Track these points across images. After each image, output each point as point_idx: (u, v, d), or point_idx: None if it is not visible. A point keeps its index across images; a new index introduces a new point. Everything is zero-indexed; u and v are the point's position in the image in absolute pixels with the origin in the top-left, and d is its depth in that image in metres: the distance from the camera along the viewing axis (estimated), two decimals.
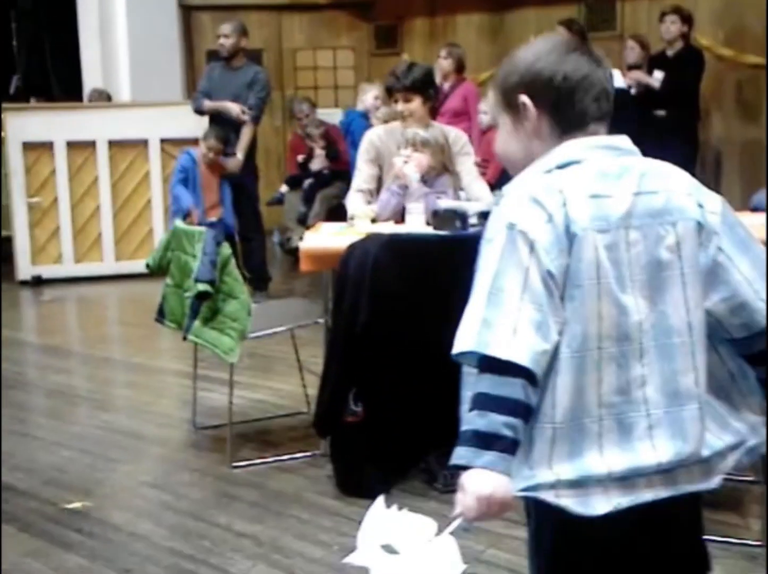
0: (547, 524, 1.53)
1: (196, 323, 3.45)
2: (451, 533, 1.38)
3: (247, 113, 6.07)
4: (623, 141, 1.55)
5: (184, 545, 2.83)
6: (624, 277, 1.43)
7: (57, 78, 9.13)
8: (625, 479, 1.45)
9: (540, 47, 1.55)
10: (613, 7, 7.94)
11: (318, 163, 7.56)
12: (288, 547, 2.81)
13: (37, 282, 7.12)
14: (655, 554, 1.54)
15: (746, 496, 2.98)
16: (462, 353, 1.41)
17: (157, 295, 3.73)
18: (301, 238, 3.89)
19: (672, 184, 1.50)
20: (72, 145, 7.18)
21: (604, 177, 1.47)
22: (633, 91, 6.67)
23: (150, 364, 4.89)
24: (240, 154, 6.04)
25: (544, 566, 1.57)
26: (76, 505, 3.14)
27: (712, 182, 7.43)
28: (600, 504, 1.44)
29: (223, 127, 6.09)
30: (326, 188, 7.49)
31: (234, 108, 6.06)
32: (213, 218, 5.91)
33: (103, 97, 8.04)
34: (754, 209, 4.39)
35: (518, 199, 1.46)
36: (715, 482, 1.53)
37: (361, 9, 9.31)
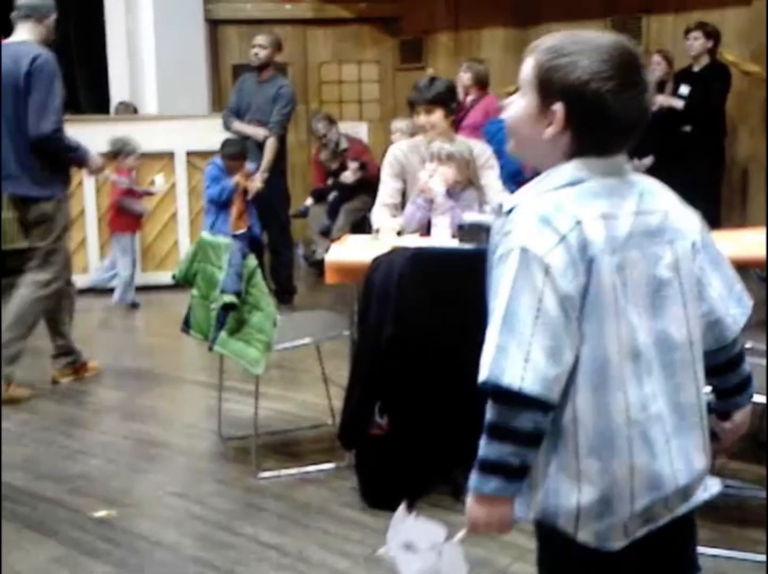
0: (555, 546, 1.54)
1: (222, 334, 3.47)
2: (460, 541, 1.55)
3: (269, 132, 6.14)
4: (621, 159, 1.52)
5: (209, 556, 2.85)
6: (630, 297, 1.45)
7: (84, 91, 9.22)
8: (647, 511, 1.49)
9: (602, 63, 1.43)
10: (639, 22, 7.95)
11: (350, 176, 7.58)
12: (313, 558, 2.81)
13: None
14: (661, 560, 1.60)
15: None
16: (483, 382, 1.42)
17: (184, 306, 3.76)
18: (326, 251, 3.91)
19: (666, 203, 1.53)
20: None
21: (610, 196, 1.47)
22: (655, 107, 6.67)
23: (176, 374, 4.92)
24: (265, 172, 6.09)
25: None
26: (103, 514, 3.16)
27: (739, 199, 7.40)
28: (618, 540, 1.48)
29: (249, 143, 6.15)
30: (351, 201, 7.52)
31: (259, 134, 6.13)
32: (242, 229, 5.97)
33: (130, 110, 8.12)
34: None
35: (529, 220, 1.43)
36: (718, 485, 1.60)
37: (386, 23, 9.36)
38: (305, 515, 3.11)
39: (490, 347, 1.41)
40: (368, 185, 7.03)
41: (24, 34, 4.42)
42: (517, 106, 1.53)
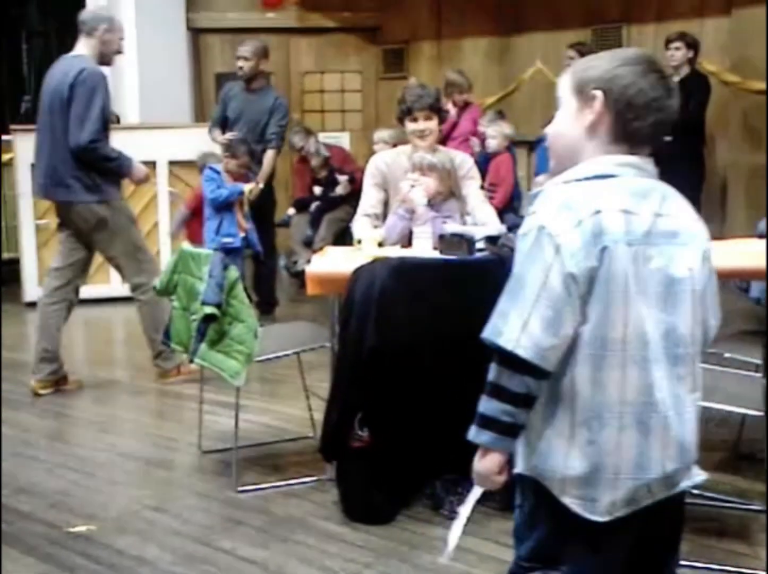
0: (544, 506, 1.67)
1: (203, 346, 3.45)
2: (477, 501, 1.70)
3: (268, 144, 6.15)
4: (648, 163, 1.67)
5: (188, 570, 2.82)
6: (642, 288, 1.57)
7: None
8: (631, 490, 1.61)
9: (627, 55, 1.65)
10: (620, 31, 7.98)
11: (342, 188, 7.56)
12: (293, 573, 2.79)
13: None
14: (641, 540, 1.68)
15: (754, 524, 2.96)
16: (482, 339, 1.59)
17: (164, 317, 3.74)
18: (307, 262, 3.90)
19: (683, 210, 1.67)
20: None
21: (632, 195, 1.60)
22: None
23: (156, 387, 4.88)
24: (261, 182, 6.07)
25: (535, 545, 1.72)
26: (81, 529, 3.13)
27: (718, 208, 7.44)
28: (603, 515, 1.61)
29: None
30: (333, 212, 7.51)
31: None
32: (242, 233, 5.92)
33: (112, 119, 8.08)
34: (761, 236, 4.40)
35: (553, 204, 1.58)
36: (702, 475, 1.71)
37: (368, 33, 9.37)
38: (285, 529, 3.09)
39: (496, 311, 1.58)
40: (351, 196, 7.02)
41: (80, 48, 4.73)
42: (557, 118, 1.71)
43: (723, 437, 3.70)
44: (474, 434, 1.61)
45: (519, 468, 1.68)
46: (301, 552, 2.92)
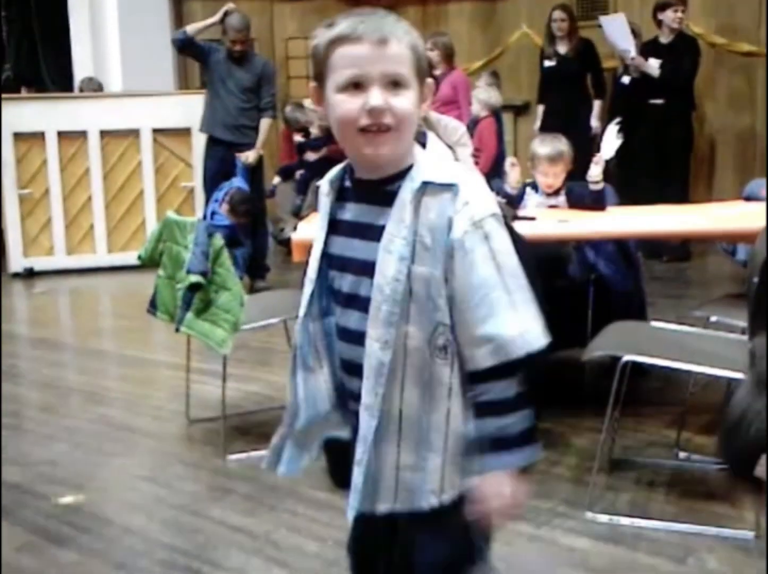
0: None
1: (189, 315, 3.43)
2: None
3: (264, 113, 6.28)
4: None
5: (178, 540, 2.82)
6: None
7: (48, 68, 9.08)
8: None
9: None
10: None
11: (313, 155, 7.54)
12: (282, 541, 2.80)
13: (29, 274, 7.09)
14: None
15: (738, 486, 2.98)
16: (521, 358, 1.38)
17: (150, 287, 3.71)
18: (294, 229, 3.87)
19: None
20: (63, 136, 7.14)
21: None
22: (627, 79, 6.67)
23: (143, 356, 4.87)
24: (259, 147, 6.23)
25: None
26: (69, 499, 3.12)
27: (707, 171, 7.43)
28: None
29: (238, 118, 6.23)
30: (319, 178, 7.45)
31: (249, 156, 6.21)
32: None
33: (94, 85, 7.99)
34: (747, 198, 4.40)
35: (480, 189, 1.45)
36: None
37: None
38: (274, 498, 3.09)
39: (508, 319, 1.37)
40: (336, 161, 6.97)
41: None
42: (407, 97, 1.54)
43: (709, 400, 3.71)
44: (515, 460, 1.40)
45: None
46: (289, 520, 2.93)
